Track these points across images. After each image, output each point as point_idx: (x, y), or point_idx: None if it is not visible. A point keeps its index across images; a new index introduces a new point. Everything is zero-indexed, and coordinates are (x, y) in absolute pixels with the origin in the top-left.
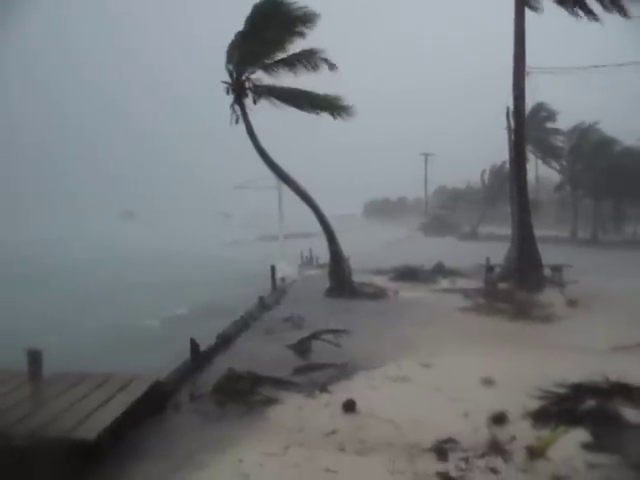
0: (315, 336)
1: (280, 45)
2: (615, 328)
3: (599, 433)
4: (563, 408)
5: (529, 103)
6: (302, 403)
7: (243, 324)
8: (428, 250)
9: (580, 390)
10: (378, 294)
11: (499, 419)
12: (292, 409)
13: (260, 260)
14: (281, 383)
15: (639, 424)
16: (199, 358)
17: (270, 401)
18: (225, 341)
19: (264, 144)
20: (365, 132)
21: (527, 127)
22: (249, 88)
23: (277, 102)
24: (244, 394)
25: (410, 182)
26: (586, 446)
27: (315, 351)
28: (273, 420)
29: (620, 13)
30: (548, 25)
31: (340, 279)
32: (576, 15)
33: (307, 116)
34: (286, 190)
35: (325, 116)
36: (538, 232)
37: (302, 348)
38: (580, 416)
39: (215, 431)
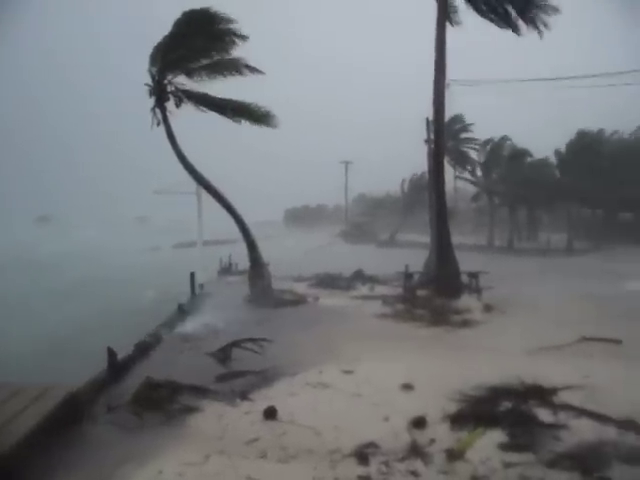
0: (236, 344)
1: (206, 52)
2: (529, 332)
3: (515, 433)
4: (481, 410)
5: (447, 114)
6: (222, 411)
7: (161, 332)
8: (348, 257)
9: (497, 392)
10: (298, 301)
11: (419, 423)
12: (212, 417)
13: (177, 266)
14: (201, 391)
15: (552, 423)
16: (116, 368)
17: (190, 410)
18: (143, 350)
19: (185, 149)
20: (287, 140)
21: (445, 138)
22: (171, 92)
23: (201, 107)
24: (163, 403)
25: (330, 190)
26: (503, 446)
27: (236, 359)
28: (193, 429)
29: (537, 30)
30: (470, 38)
31: (260, 286)
32: (499, 26)
33: (230, 123)
34: (206, 196)
35: (248, 124)
36: (456, 240)
37: (222, 356)
38: (497, 417)
39: (133, 442)
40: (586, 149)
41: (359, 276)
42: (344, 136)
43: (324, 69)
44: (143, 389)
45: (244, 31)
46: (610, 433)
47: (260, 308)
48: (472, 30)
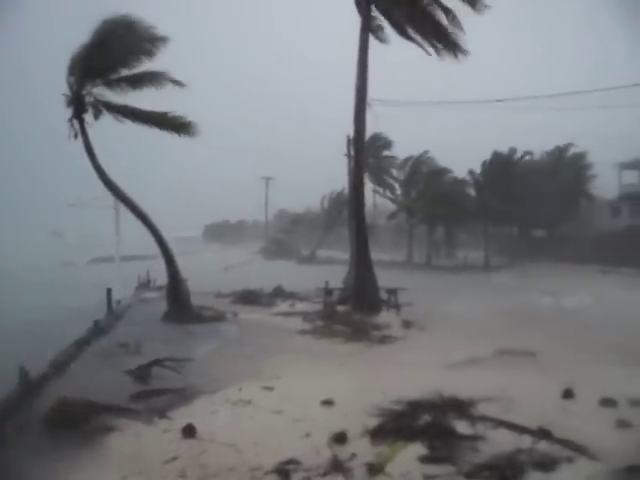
0: (155, 362)
1: (126, 62)
2: (448, 347)
3: (435, 446)
4: (401, 424)
5: (368, 133)
6: (140, 430)
7: (77, 349)
8: (268, 273)
9: (416, 406)
10: (218, 317)
11: (340, 438)
12: (130, 437)
13: (94, 282)
14: (118, 410)
15: (470, 435)
16: (29, 386)
17: (107, 429)
18: (58, 368)
19: (103, 162)
20: (206, 156)
21: (365, 155)
22: (89, 103)
23: (120, 118)
24: (79, 423)
25: (251, 206)
26: (423, 459)
27: (155, 377)
28: (110, 449)
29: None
30: (395, 57)
31: (178, 302)
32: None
33: (149, 136)
34: (124, 210)
35: (165, 137)
36: (375, 256)
37: (141, 374)
38: (417, 431)
39: (47, 465)
40: (500, 168)
41: (279, 292)
42: (265, 153)
43: (245, 85)
44: (57, 408)
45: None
46: (525, 442)
47: (178, 324)
48: (398, 49)
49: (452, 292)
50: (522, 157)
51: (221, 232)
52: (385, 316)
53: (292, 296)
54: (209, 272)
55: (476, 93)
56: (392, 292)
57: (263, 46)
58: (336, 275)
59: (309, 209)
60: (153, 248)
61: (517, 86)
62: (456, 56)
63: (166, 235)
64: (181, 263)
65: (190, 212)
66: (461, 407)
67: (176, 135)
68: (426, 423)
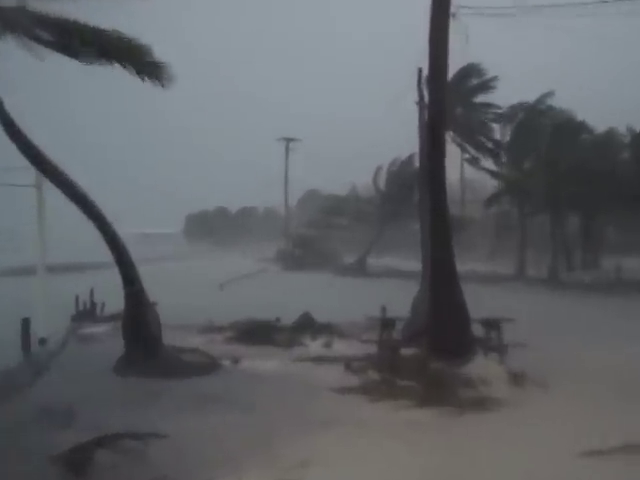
0: (101, 442)
1: None
2: (584, 421)
3: None
4: None
5: (453, 64)
6: None
7: None
8: (289, 293)
9: None
10: (206, 366)
11: None
12: None
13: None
14: None
15: None
16: None
17: None
18: None
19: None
20: (202, 113)
21: (449, 101)
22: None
23: (33, 45)
24: None
25: (261, 184)
26: None
27: (100, 465)
28: None
29: None
30: None
31: (142, 341)
32: None
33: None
34: (53, 192)
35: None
36: (464, 266)
37: (77, 461)
38: None
39: None
40: None
41: (307, 324)
42: (284, 113)
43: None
44: None
45: None
46: None
47: (141, 378)
48: None
49: (595, 327)
50: None
51: (213, 227)
52: (481, 365)
53: (328, 330)
54: (194, 291)
55: None
56: (493, 325)
57: None
58: (399, 296)
59: (355, 189)
60: (100, 253)
61: None
62: None
63: (125, 231)
64: (148, 276)
65: (167, 196)
66: None
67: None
68: None
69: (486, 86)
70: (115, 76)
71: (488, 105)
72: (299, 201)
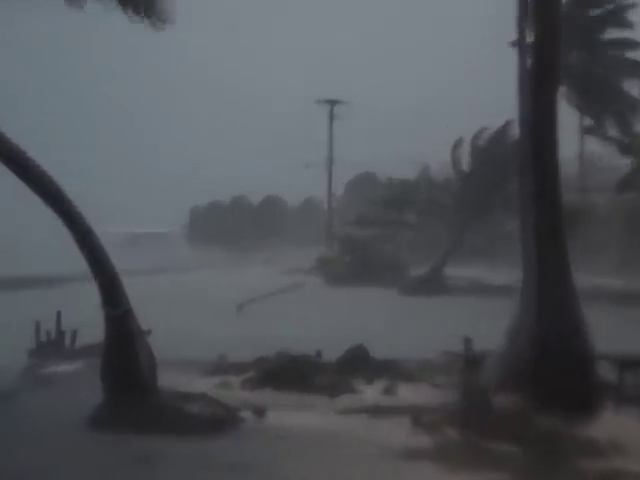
0: None
1: None
2: None
3: None
4: None
5: None
6: None
7: None
8: (334, 318)
9: None
10: (218, 421)
11: None
12: None
13: None
14: None
15: None
16: None
17: None
18: None
19: None
20: (215, 64)
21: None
22: None
23: None
24: None
25: (295, 165)
26: None
27: None
28: None
29: None
30: None
31: (128, 384)
32: None
33: None
34: (6, 177)
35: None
36: (585, 280)
37: None
38: None
39: None
40: None
41: (360, 361)
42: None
43: None
44: None
45: None
46: None
47: (127, 438)
48: None
49: None
50: None
51: (227, 224)
52: (613, 423)
53: (389, 370)
54: (201, 314)
55: None
56: (630, 365)
57: None
58: (489, 321)
59: (426, 172)
60: (74, 261)
61: None
62: None
63: (108, 230)
64: (138, 293)
65: (165, 180)
66: None
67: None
68: None
69: (621, 15)
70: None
71: (624, 44)
72: (348, 188)
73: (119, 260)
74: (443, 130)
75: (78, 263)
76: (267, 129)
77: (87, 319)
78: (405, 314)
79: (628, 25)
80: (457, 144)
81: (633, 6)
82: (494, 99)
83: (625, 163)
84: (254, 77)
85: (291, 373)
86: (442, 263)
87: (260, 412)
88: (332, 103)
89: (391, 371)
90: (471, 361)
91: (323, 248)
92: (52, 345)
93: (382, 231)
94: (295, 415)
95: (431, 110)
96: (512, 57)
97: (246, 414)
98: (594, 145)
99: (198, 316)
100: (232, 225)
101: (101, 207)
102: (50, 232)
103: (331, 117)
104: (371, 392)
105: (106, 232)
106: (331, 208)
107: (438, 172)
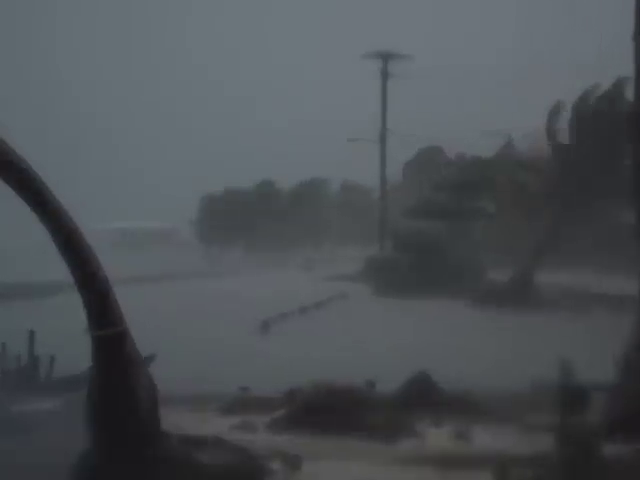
0: None
1: None
2: None
3: None
4: None
5: None
6: None
7: None
8: (388, 338)
9: None
10: (239, 473)
11: None
12: None
13: None
14: None
15: None
16: None
17: None
18: None
19: None
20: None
21: None
22: None
23: None
24: None
25: (337, 138)
26: None
27: None
28: None
29: None
30: None
31: (122, 427)
32: None
33: None
34: None
35: None
36: None
37: None
38: None
39: None
40: None
41: (424, 395)
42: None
43: None
44: None
45: None
46: None
47: None
48: None
49: None
50: None
51: (248, 217)
52: None
53: (461, 407)
54: (215, 334)
55: None
56: None
57: None
58: (595, 343)
59: (510, 145)
60: (55, 268)
61: None
62: None
63: (96, 227)
64: (135, 306)
65: (168, 160)
66: None
67: None
68: None
69: None
70: None
71: None
72: (406, 169)
73: (111, 264)
74: (532, 92)
75: (61, 271)
76: (298, 95)
77: (69, 342)
78: (483, 333)
79: None
80: (554, 110)
81: None
82: (593, 53)
83: None
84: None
85: (333, 410)
86: (533, 266)
87: (293, 462)
88: (385, 57)
89: (465, 408)
90: (572, 395)
91: (374, 246)
92: (22, 375)
93: (451, 224)
94: (339, 466)
95: (514, 67)
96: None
97: (275, 465)
98: None
99: (214, 337)
100: (256, 218)
101: (87, 198)
102: (35, 233)
103: (384, 76)
104: (438, 435)
105: (96, 229)
106: (384, 195)
107: (525, 147)
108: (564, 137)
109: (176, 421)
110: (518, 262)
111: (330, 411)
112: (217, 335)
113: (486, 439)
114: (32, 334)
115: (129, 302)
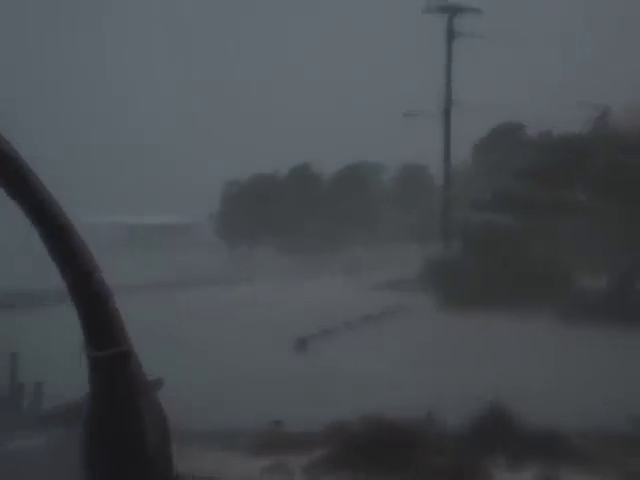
0: None
1: None
2: None
3: None
4: None
5: None
6: None
7: None
8: (453, 362)
9: None
10: None
11: None
12: None
13: None
14: None
15: None
16: None
17: None
18: None
19: None
20: None
21: None
22: None
23: None
24: None
25: (390, 114)
26: None
27: None
28: None
29: None
30: None
31: (124, 468)
32: None
33: None
34: None
35: None
36: None
37: None
38: None
39: None
40: None
41: (497, 431)
42: None
43: None
44: None
45: None
46: None
47: None
48: None
49: None
50: None
51: (281, 210)
52: None
53: (545, 447)
54: (241, 353)
55: None
56: None
57: None
58: None
59: (606, 120)
60: (48, 274)
61: None
62: None
63: (97, 221)
64: (144, 320)
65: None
66: None
67: None
68: None
69: None
70: None
71: None
72: (477, 149)
73: (114, 267)
74: (630, 57)
75: (55, 278)
76: (344, 61)
77: (61, 364)
78: (572, 355)
79: None
80: None
81: None
82: None
83: None
84: None
85: (386, 450)
86: (634, 271)
87: None
88: (452, 12)
89: (550, 449)
90: None
91: (436, 246)
92: (2, 405)
93: (533, 219)
94: None
95: (604, 33)
96: None
97: None
98: None
99: (240, 357)
100: (291, 211)
101: (90, 189)
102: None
103: (450, 34)
104: None
105: (97, 223)
106: (449, 182)
107: (626, 122)
108: None
109: (195, 462)
110: (616, 266)
111: (381, 450)
112: (244, 355)
113: None
114: (14, 356)
115: (135, 314)
